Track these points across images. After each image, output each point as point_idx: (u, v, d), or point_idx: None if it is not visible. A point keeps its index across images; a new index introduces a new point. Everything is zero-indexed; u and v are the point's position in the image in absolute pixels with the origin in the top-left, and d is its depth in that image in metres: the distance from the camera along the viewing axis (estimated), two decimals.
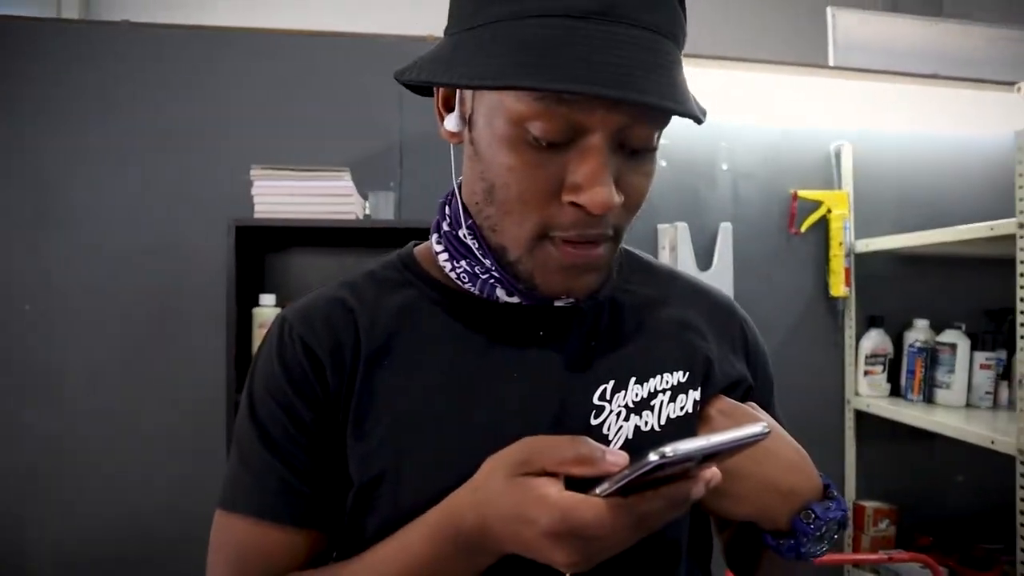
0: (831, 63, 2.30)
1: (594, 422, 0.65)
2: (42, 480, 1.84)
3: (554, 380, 0.66)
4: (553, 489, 0.50)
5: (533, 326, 0.67)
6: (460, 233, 0.67)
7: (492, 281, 0.66)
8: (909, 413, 1.95)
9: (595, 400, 0.65)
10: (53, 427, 1.84)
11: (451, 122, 0.64)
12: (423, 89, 0.67)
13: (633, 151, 0.58)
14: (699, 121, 0.57)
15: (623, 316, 0.71)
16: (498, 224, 0.61)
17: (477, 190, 0.62)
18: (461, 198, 0.67)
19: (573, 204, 0.56)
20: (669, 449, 0.45)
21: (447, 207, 0.69)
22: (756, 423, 0.50)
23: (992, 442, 1.62)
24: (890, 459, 2.22)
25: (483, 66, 0.53)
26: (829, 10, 2.36)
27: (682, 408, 0.67)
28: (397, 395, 0.64)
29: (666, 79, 0.53)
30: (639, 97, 0.51)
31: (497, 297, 0.66)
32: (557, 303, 0.66)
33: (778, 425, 0.69)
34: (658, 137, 0.58)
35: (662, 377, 0.68)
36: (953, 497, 2.25)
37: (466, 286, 0.67)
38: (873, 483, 2.21)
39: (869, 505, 2.13)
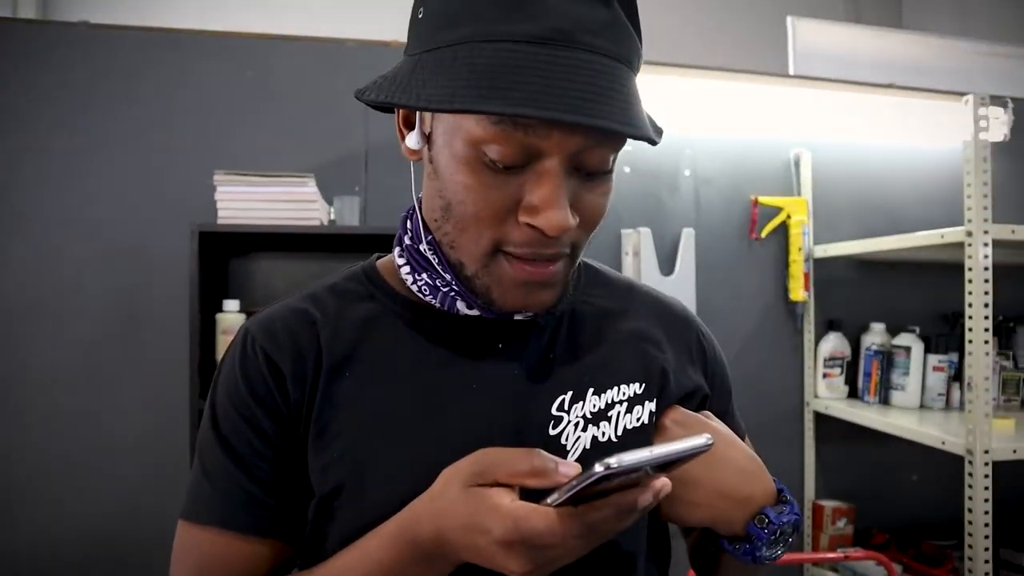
0: (791, 72, 2.35)
1: (552, 432, 0.66)
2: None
3: (513, 391, 0.67)
4: (506, 499, 0.52)
5: (493, 338, 0.69)
6: (421, 247, 0.68)
7: (452, 294, 0.66)
8: (865, 415, 2.00)
9: (553, 411, 0.67)
10: (11, 433, 1.81)
11: (412, 140, 0.64)
12: (385, 107, 0.68)
13: (589, 173, 0.59)
14: (653, 143, 0.59)
15: (581, 328, 0.72)
16: (455, 240, 0.62)
17: (435, 207, 0.63)
18: (421, 214, 0.68)
19: (529, 225, 0.58)
20: (614, 460, 0.47)
21: (408, 221, 0.70)
22: (701, 435, 0.52)
23: (943, 443, 1.67)
24: (848, 459, 2.27)
25: (441, 88, 0.54)
26: (789, 19, 2.42)
27: (638, 419, 0.69)
28: (358, 406, 0.65)
29: (621, 103, 0.54)
30: (594, 121, 0.52)
31: (457, 310, 0.67)
32: (516, 316, 0.68)
33: (732, 433, 0.71)
34: (614, 159, 0.60)
35: (619, 388, 0.69)
36: (908, 496, 2.31)
37: (427, 299, 0.68)
38: (831, 483, 2.26)
39: (828, 504, 2.17)
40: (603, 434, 0.67)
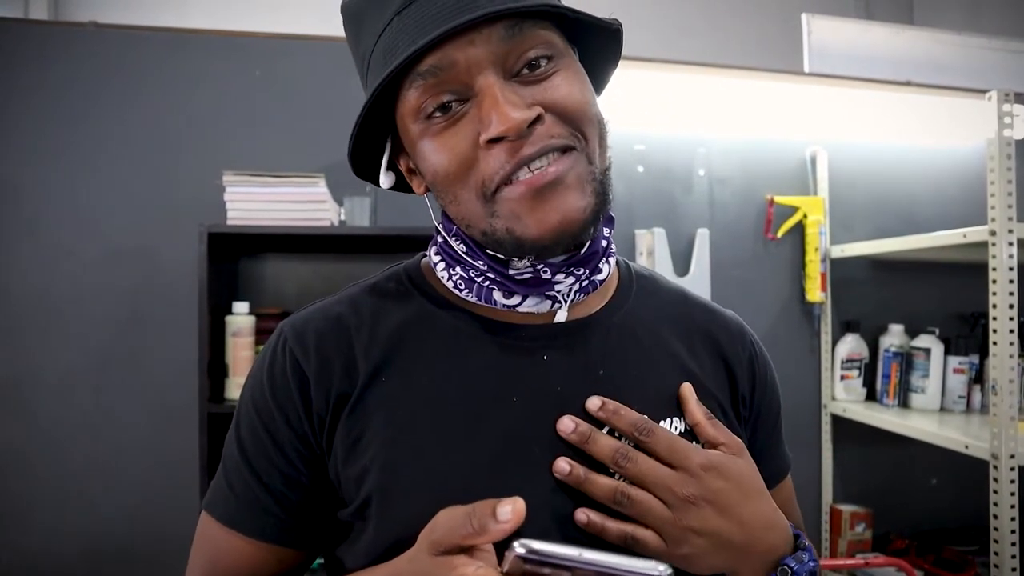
0: (806, 69, 2.32)
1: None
2: (9, 488, 1.79)
3: (556, 408, 0.63)
4: (470, 569, 0.49)
5: (537, 347, 0.65)
6: (451, 241, 0.67)
7: (488, 284, 0.64)
8: (884, 418, 1.96)
9: None
10: (21, 434, 1.80)
11: (385, 181, 0.70)
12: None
13: (531, 66, 0.59)
14: (549, 9, 0.58)
15: (632, 343, 0.69)
16: (460, 211, 0.62)
17: (437, 197, 0.64)
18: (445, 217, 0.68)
19: (490, 142, 0.57)
20: (536, 545, 0.46)
21: (444, 221, 0.69)
22: (657, 565, 0.48)
23: (966, 447, 1.63)
24: (866, 463, 2.24)
25: (368, 90, 0.61)
26: (804, 17, 2.38)
27: None
28: (392, 416, 0.63)
29: None
30: (458, 20, 0.54)
31: (495, 301, 0.65)
32: (557, 281, 0.64)
33: (760, 481, 0.65)
34: (551, 46, 0.59)
35: (671, 422, 0.66)
36: (927, 500, 2.27)
37: (463, 294, 0.66)
38: (849, 487, 2.22)
39: (846, 509, 2.14)
40: None
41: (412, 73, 0.58)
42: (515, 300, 0.65)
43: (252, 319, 1.73)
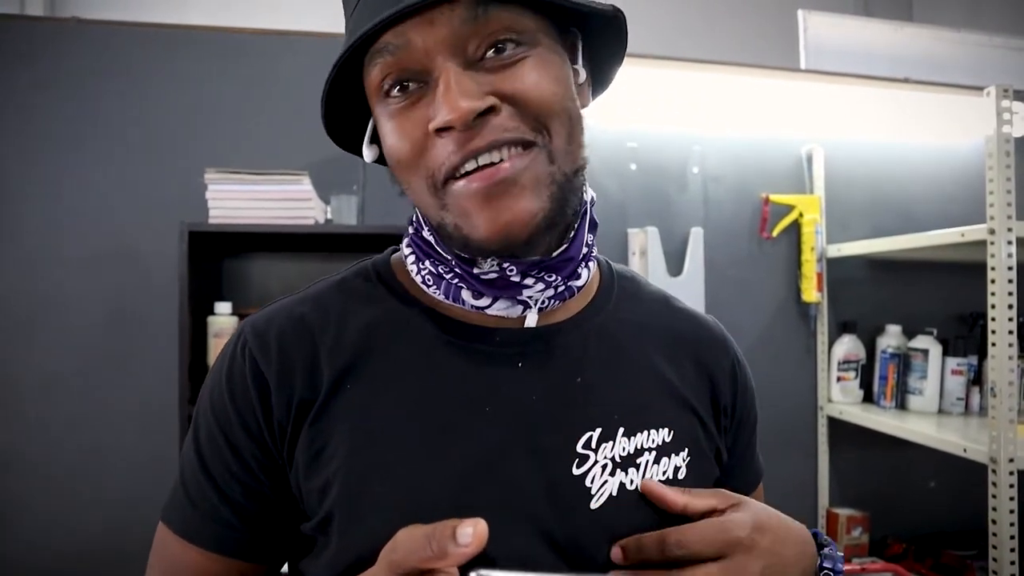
0: (803, 66, 2.29)
1: (576, 472, 0.59)
2: None
3: (533, 418, 0.60)
4: None
5: (512, 352, 0.62)
6: (423, 233, 0.64)
7: (456, 281, 0.61)
8: (882, 420, 1.93)
9: (579, 447, 0.60)
10: (2, 438, 1.76)
11: (368, 155, 0.66)
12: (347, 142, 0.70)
13: (495, 49, 0.54)
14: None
15: (613, 349, 0.66)
16: (415, 200, 0.60)
17: (398, 181, 0.61)
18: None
19: (439, 131, 0.54)
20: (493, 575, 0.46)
21: (416, 214, 0.66)
22: None
23: (965, 451, 1.60)
24: (863, 466, 2.20)
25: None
26: (800, 13, 2.35)
27: (665, 472, 0.62)
28: (356, 426, 0.59)
29: None
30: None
31: (464, 301, 0.61)
32: (528, 296, 0.61)
33: (770, 508, 0.62)
34: (520, 30, 0.55)
35: (649, 434, 0.62)
36: (925, 503, 2.23)
37: (431, 291, 0.63)
38: (846, 490, 2.19)
39: (842, 513, 2.10)
40: (631, 482, 0.60)
41: (371, 50, 0.56)
42: (484, 302, 0.61)
43: (235, 320, 1.70)
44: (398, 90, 0.56)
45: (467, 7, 0.53)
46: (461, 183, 0.55)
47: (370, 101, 0.60)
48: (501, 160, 0.54)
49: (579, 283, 0.65)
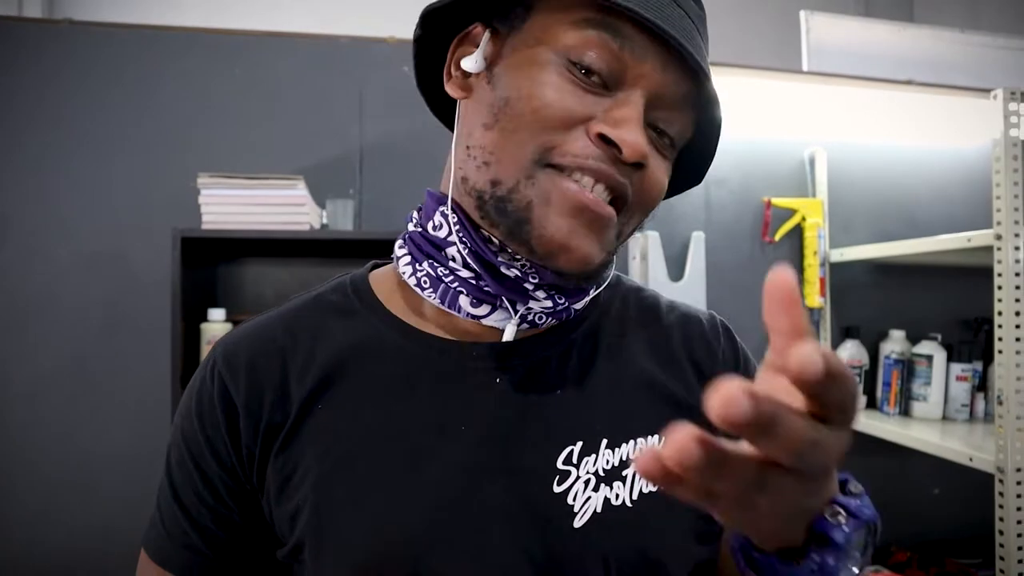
0: (804, 68, 2.26)
1: (557, 489, 0.56)
2: None
3: (510, 435, 0.57)
4: None
5: (491, 368, 0.59)
6: (430, 225, 0.60)
7: (456, 285, 0.58)
8: (885, 427, 1.90)
9: (559, 463, 0.57)
10: None
11: (471, 62, 0.57)
12: (423, 69, 0.64)
13: (658, 132, 0.55)
14: (718, 119, 0.59)
15: (595, 357, 0.63)
16: (496, 149, 0.54)
17: (477, 126, 0.56)
18: (441, 187, 0.62)
19: (600, 137, 0.52)
20: None
21: (416, 213, 0.63)
22: None
23: (970, 459, 1.57)
24: (865, 472, 2.14)
25: None
26: (802, 14, 2.32)
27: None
28: (327, 449, 0.57)
29: (700, 53, 0.55)
30: (686, 45, 0.51)
31: (459, 308, 0.59)
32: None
33: None
34: (684, 136, 0.58)
35: (636, 443, 0.59)
36: (929, 511, 2.21)
37: (426, 294, 0.60)
38: None
39: None
40: (616, 496, 0.57)
41: (596, 18, 0.52)
42: (482, 310, 0.59)
43: (229, 327, 1.67)
44: (584, 72, 0.53)
45: (692, 91, 0.56)
46: (568, 182, 0.53)
47: (544, 44, 0.54)
48: (600, 196, 0.54)
49: (578, 306, 0.62)
